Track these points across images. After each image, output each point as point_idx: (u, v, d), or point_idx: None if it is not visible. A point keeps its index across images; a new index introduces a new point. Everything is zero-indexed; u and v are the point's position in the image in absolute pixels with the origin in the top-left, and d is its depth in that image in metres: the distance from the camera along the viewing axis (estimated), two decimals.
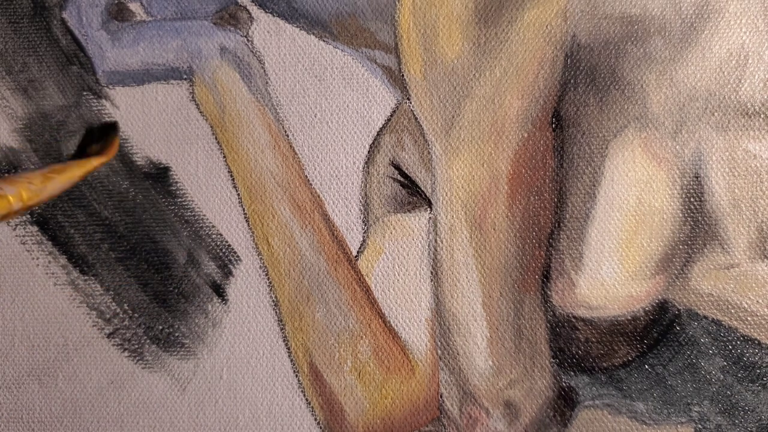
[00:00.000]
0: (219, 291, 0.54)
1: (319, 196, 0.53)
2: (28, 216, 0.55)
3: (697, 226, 0.51)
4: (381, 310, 0.53)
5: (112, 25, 0.55)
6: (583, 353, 0.51)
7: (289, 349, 0.53)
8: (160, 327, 0.54)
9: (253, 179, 0.54)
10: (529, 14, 0.52)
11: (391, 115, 0.53)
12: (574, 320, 0.51)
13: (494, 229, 0.52)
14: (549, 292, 0.52)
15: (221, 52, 0.54)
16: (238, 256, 0.54)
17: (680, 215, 0.51)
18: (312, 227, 0.53)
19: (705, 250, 0.51)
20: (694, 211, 0.51)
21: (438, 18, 0.53)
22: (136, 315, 0.54)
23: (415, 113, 0.53)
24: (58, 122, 0.55)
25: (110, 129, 0.54)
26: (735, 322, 0.50)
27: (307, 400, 0.53)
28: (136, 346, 0.54)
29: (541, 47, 0.52)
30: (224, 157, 0.54)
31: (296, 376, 0.53)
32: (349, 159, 0.54)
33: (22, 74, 0.55)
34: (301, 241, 0.53)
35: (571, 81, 0.52)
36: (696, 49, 0.51)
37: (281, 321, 0.53)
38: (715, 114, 0.51)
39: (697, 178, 0.51)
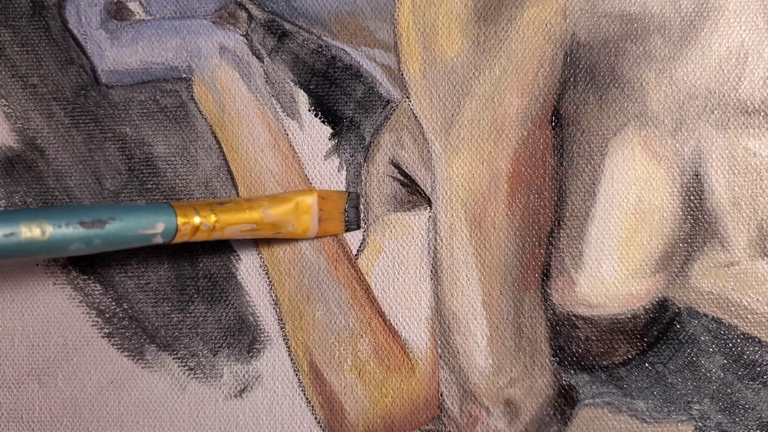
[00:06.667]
0: (219, 290, 0.54)
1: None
2: None
3: (697, 224, 0.51)
4: (381, 309, 0.53)
5: (111, 24, 0.55)
6: (583, 351, 0.51)
7: (289, 347, 0.53)
8: (160, 326, 0.54)
9: (253, 178, 0.54)
10: (529, 12, 0.52)
11: (391, 114, 0.53)
12: (574, 318, 0.51)
13: (494, 228, 0.52)
14: (549, 291, 0.52)
15: (220, 51, 0.54)
16: (238, 256, 0.54)
17: (680, 213, 0.51)
18: None
19: (705, 248, 0.51)
20: (694, 209, 0.51)
21: (437, 16, 0.53)
22: (136, 314, 0.54)
23: (414, 112, 0.53)
24: (57, 121, 0.55)
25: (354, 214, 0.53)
26: (735, 320, 0.50)
27: (307, 399, 0.53)
28: (136, 346, 0.54)
29: (541, 45, 0.52)
30: (224, 156, 0.54)
31: (296, 375, 0.53)
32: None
33: (20, 74, 0.55)
34: (301, 240, 0.53)
35: (571, 79, 0.52)
36: (695, 47, 0.51)
37: (281, 320, 0.53)
38: (715, 112, 0.51)
39: (696, 176, 0.51)
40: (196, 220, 0.47)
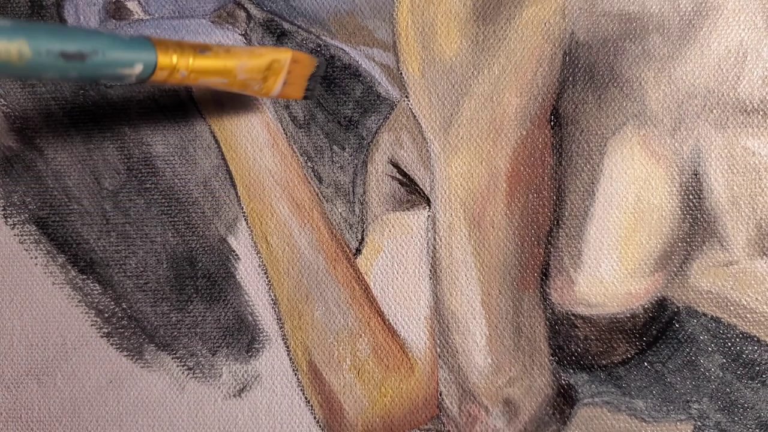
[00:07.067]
0: (217, 290, 0.54)
1: (317, 195, 0.53)
2: (26, 215, 0.55)
3: (695, 224, 0.51)
4: (380, 309, 0.53)
5: (110, 23, 0.55)
6: (582, 351, 0.51)
7: (288, 347, 0.53)
8: (159, 326, 0.54)
9: (252, 178, 0.54)
10: (528, 11, 0.52)
11: (390, 113, 0.53)
12: (573, 318, 0.51)
13: (493, 227, 0.52)
14: (548, 290, 0.52)
15: None
16: (237, 255, 0.54)
17: (679, 212, 0.51)
18: (311, 226, 0.53)
19: (704, 248, 0.51)
20: (693, 208, 0.51)
21: (436, 16, 0.53)
22: (135, 314, 0.54)
23: (413, 111, 0.53)
24: (56, 121, 0.55)
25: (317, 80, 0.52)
26: (734, 320, 0.50)
27: (306, 398, 0.53)
28: (135, 345, 0.54)
29: (540, 45, 0.52)
30: (222, 155, 0.54)
31: (295, 374, 0.53)
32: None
33: None
34: (299, 240, 0.53)
35: (570, 78, 0.52)
36: (694, 47, 0.51)
37: (280, 319, 0.53)
38: (714, 111, 0.51)
39: (695, 175, 0.51)
40: (175, 69, 0.45)
